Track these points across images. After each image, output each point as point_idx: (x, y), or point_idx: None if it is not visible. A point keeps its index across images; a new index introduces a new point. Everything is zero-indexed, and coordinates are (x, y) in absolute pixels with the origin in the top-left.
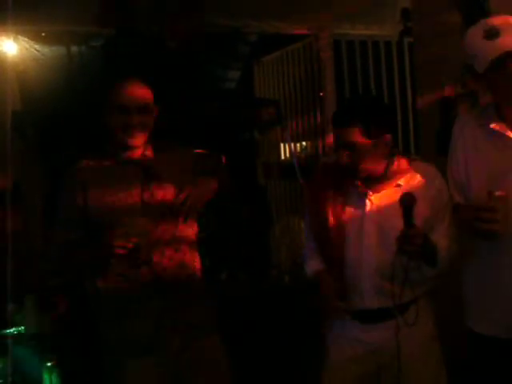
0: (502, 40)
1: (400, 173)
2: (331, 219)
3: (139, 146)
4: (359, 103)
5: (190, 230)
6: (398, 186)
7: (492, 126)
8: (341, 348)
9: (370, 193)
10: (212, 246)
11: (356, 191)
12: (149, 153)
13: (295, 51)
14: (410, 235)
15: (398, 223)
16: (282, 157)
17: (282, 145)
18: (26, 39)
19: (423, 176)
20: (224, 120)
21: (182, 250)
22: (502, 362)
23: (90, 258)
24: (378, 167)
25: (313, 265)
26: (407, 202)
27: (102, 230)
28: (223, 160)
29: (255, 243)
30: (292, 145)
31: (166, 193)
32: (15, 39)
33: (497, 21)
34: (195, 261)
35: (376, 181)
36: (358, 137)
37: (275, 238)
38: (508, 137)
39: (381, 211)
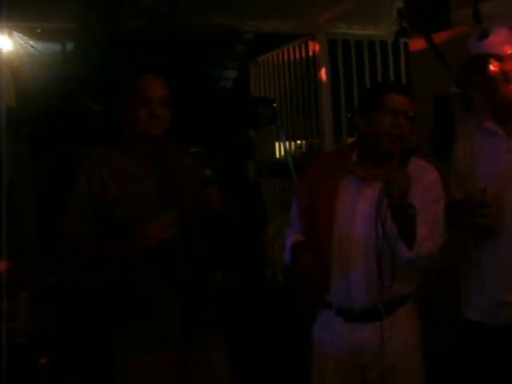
0: (488, 41)
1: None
2: (321, 207)
3: (159, 137)
4: None
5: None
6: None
7: (486, 124)
8: (323, 345)
9: (369, 177)
10: (206, 246)
11: (353, 178)
12: (160, 149)
13: (291, 50)
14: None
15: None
16: (277, 155)
17: (276, 143)
18: (20, 35)
19: (418, 170)
20: (219, 119)
21: (194, 246)
22: (489, 347)
23: (115, 251)
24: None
25: (292, 238)
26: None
27: (121, 224)
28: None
29: (249, 243)
30: (287, 143)
31: (178, 189)
32: (10, 35)
33: (493, 25)
34: (203, 258)
35: (377, 167)
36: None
37: (269, 237)
38: (500, 135)
39: (374, 200)
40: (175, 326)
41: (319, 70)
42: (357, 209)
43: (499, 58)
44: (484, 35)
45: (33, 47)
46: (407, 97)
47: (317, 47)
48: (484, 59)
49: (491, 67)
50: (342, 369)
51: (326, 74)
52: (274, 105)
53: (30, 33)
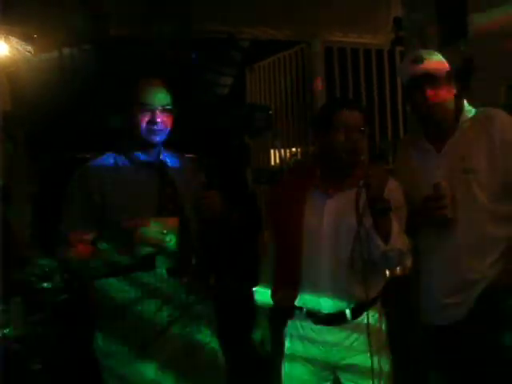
0: (423, 65)
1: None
2: (290, 220)
3: (159, 144)
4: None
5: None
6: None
7: (420, 142)
8: (294, 347)
9: (331, 191)
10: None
11: (317, 191)
12: (161, 156)
13: (287, 58)
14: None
15: (354, 223)
16: (272, 162)
17: (272, 151)
18: (17, 40)
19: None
20: (215, 125)
21: (193, 251)
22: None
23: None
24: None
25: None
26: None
27: (120, 229)
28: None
29: (244, 249)
30: (282, 151)
31: (178, 197)
32: (6, 40)
33: (423, 52)
34: (202, 263)
35: (339, 180)
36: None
37: (263, 244)
38: (432, 152)
39: (339, 210)
40: (173, 329)
41: (315, 78)
42: (323, 221)
43: (433, 82)
44: (418, 60)
45: (29, 52)
46: (358, 112)
47: (313, 55)
48: (419, 82)
49: (426, 90)
50: (314, 370)
51: (322, 82)
52: (270, 112)
53: (27, 37)
